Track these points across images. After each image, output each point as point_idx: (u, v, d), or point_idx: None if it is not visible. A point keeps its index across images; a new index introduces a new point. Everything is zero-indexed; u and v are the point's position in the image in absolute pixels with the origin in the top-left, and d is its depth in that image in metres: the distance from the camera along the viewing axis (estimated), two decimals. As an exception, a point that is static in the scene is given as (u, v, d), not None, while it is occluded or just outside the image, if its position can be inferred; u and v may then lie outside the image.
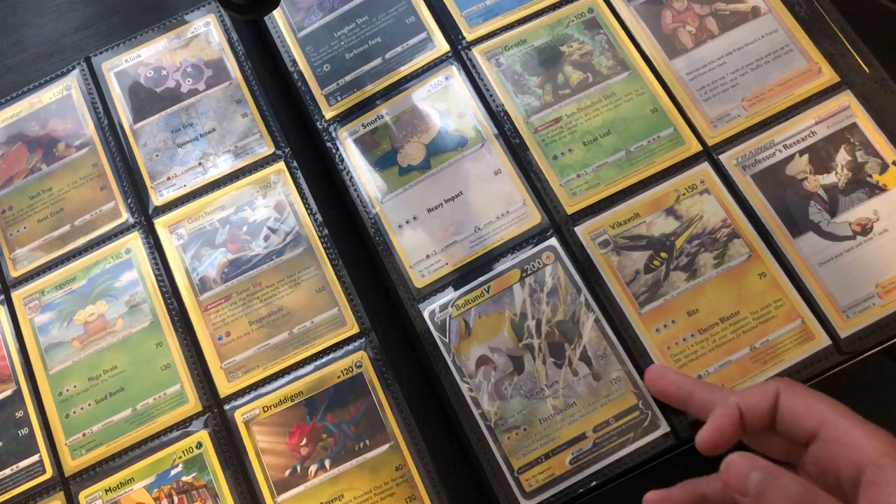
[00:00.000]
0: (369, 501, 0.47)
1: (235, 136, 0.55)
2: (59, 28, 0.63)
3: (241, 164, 0.54)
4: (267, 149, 0.54)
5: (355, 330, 0.50)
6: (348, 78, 0.54)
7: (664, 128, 0.50)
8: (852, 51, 0.51)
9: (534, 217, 0.49)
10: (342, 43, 0.54)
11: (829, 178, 0.49)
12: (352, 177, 0.51)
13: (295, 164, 0.53)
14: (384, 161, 0.52)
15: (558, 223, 0.49)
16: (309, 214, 0.53)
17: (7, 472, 0.50)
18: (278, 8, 0.54)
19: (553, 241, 0.49)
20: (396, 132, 0.52)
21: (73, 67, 0.58)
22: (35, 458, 0.50)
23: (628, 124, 0.50)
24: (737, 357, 0.46)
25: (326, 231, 0.52)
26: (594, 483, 0.45)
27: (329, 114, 0.53)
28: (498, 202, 0.50)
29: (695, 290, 0.47)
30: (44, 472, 0.50)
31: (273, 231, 0.52)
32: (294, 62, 0.55)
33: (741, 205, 0.49)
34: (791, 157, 0.50)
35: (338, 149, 0.52)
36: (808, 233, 0.48)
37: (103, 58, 0.58)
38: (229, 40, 0.57)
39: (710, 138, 0.50)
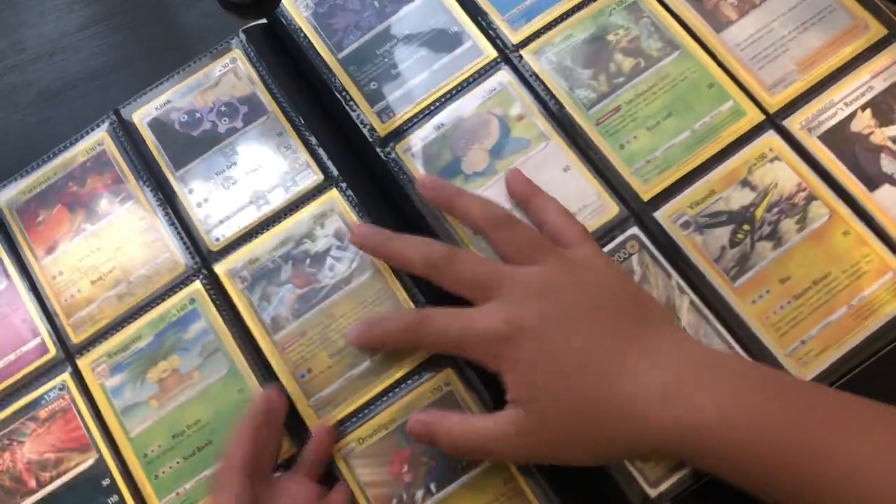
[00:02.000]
0: (482, 520, 0.49)
1: (282, 170, 0.58)
2: (60, 28, 0.66)
3: (292, 196, 0.57)
4: (316, 178, 0.57)
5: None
6: (398, 93, 0.57)
7: (724, 101, 0.54)
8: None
9: (611, 209, 0.53)
10: (386, 60, 0.58)
11: (894, 130, 0.53)
12: (417, 192, 0.54)
13: (348, 188, 0.56)
14: (448, 171, 0.55)
15: (637, 211, 0.52)
16: (372, 238, 0.55)
17: (103, 542, 0.51)
18: (312, 32, 0.58)
19: (635, 230, 0.52)
20: (456, 141, 0.55)
21: (103, 122, 0.60)
22: (130, 524, 0.51)
23: (688, 103, 0.54)
24: (836, 317, 0.50)
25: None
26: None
27: (383, 131, 0.56)
28: (572, 199, 0.53)
29: (783, 257, 0.51)
30: (140, 538, 0.51)
31: (337, 260, 0.55)
32: (339, 84, 0.58)
33: (813, 167, 0.52)
34: (853, 114, 0.53)
35: (398, 165, 0.55)
36: (884, 185, 0.52)
37: (132, 108, 0.61)
38: (259, 73, 0.60)
39: (771, 106, 0.54)
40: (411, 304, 0.54)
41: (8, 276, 0.58)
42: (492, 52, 0.58)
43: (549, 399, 0.45)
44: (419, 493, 0.50)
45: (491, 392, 0.51)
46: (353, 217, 0.56)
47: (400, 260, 0.52)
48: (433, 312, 0.50)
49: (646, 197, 0.53)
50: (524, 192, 0.53)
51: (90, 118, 0.61)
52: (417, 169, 0.56)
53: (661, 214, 0.52)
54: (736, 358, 0.48)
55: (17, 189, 0.60)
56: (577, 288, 0.48)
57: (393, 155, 0.56)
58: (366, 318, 0.53)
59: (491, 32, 0.58)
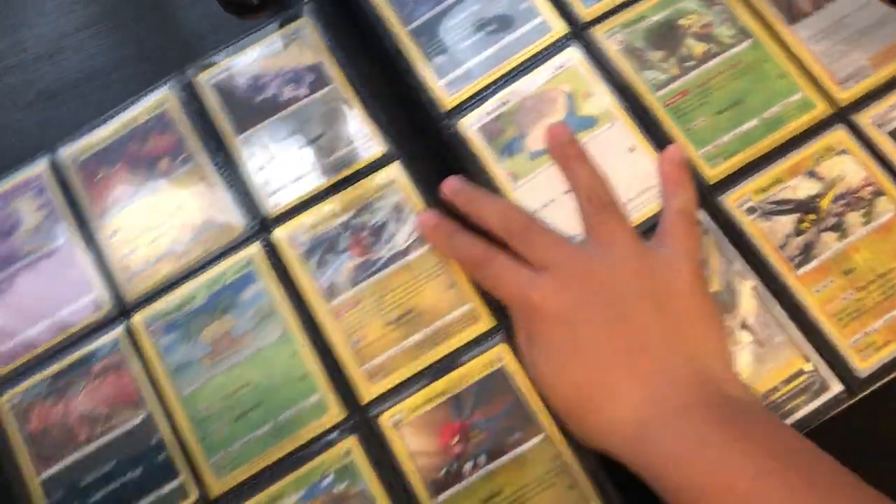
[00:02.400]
0: (529, 494, 0.50)
1: (345, 140, 0.58)
2: (59, 28, 0.67)
3: (354, 167, 0.58)
4: (378, 150, 0.58)
5: (491, 324, 0.53)
6: (465, 68, 0.58)
7: (793, 93, 0.55)
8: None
9: (676, 191, 0.53)
10: (455, 33, 0.59)
11: (967, 129, 0.53)
12: (478, 166, 0.55)
13: (409, 162, 0.57)
14: (512, 147, 0.55)
15: (703, 194, 0.53)
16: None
17: (151, 498, 0.52)
18: (382, 2, 0.59)
19: (699, 213, 0.52)
20: (521, 117, 0.56)
21: (166, 82, 0.61)
22: (177, 482, 0.52)
23: (757, 92, 0.55)
24: (901, 312, 0.50)
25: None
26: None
27: (448, 105, 0.57)
28: (636, 179, 0.53)
29: (847, 248, 0.51)
30: (187, 495, 0.52)
31: (395, 232, 0.56)
32: (407, 56, 0.59)
33: (882, 162, 0.53)
34: (925, 112, 0.54)
35: (461, 139, 0.56)
36: (954, 185, 0.52)
37: (197, 70, 0.62)
38: (326, 43, 0.61)
39: (841, 100, 0.54)
40: (466, 280, 0.55)
41: (66, 231, 0.59)
42: (562, 28, 0.58)
43: (553, 375, 0.49)
44: (468, 465, 0.51)
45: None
46: (413, 191, 0.57)
47: (478, 217, 0.53)
48: (499, 260, 0.51)
49: (712, 180, 0.53)
50: (563, 155, 0.55)
51: (91, 118, 0.63)
52: (480, 145, 0.56)
53: (726, 199, 0.53)
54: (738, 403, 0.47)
55: (79, 146, 0.61)
56: (599, 295, 0.49)
57: (456, 130, 0.57)
58: (444, 224, 0.55)
59: (562, 8, 0.59)
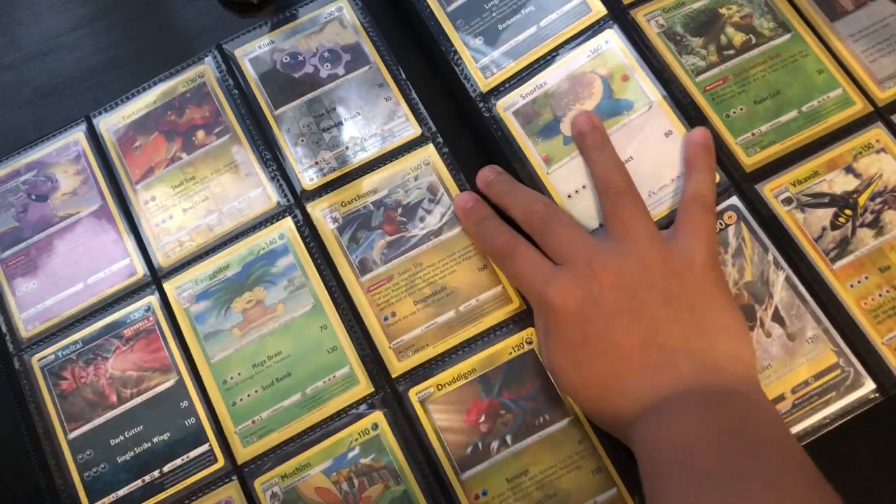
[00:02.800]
0: (555, 475, 0.50)
1: (380, 120, 0.59)
2: (54, 27, 0.67)
3: (388, 147, 0.58)
4: (414, 131, 0.58)
5: (521, 306, 0.53)
6: (503, 49, 0.58)
7: (833, 89, 0.54)
8: None
9: (712, 177, 0.53)
10: (494, 14, 0.59)
11: None
12: (514, 149, 0.55)
13: (444, 144, 0.57)
14: (547, 130, 0.55)
15: (738, 182, 0.53)
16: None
17: (178, 461, 0.52)
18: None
19: (734, 200, 0.52)
20: (558, 100, 0.56)
21: (206, 55, 0.61)
22: (205, 447, 0.53)
23: (797, 85, 0.54)
24: (935, 311, 0.49)
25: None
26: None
27: (485, 87, 0.57)
28: (672, 164, 0.53)
29: (884, 246, 0.51)
30: (215, 461, 0.52)
31: (428, 212, 0.56)
32: (446, 37, 0.59)
33: (921, 162, 0.52)
34: (966, 113, 0.53)
35: (496, 122, 0.56)
36: None
37: (236, 44, 0.62)
38: (363, 23, 0.61)
39: (881, 100, 0.54)
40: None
41: (103, 196, 0.59)
42: (601, 10, 0.58)
43: (566, 368, 0.50)
44: (495, 444, 0.51)
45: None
46: (447, 173, 0.57)
47: (505, 209, 0.54)
48: (522, 251, 0.52)
49: (749, 169, 0.53)
50: (584, 143, 0.55)
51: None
52: (515, 128, 0.56)
53: (763, 188, 0.52)
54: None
55: (117, 114, 0.62)
56: (613, 290, 0.49)
57: (493, 112, 0.57)
58: (476, 205, 0.56)
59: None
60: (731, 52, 0.56)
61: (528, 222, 0.52)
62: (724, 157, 0.53)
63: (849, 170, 0.52)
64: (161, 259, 0.57)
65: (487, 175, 0.55)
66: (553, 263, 0.50)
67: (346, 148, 0.58)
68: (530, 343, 0.53)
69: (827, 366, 0.49)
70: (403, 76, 0.60)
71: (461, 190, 0.56)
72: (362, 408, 0.52)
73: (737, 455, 0.41)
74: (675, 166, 0.54)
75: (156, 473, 0.53)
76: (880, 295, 0.50)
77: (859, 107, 0.54)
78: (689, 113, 0.54)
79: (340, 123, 0.59)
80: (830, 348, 0.49)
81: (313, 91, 0.60)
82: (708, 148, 0.52)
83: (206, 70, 0.62)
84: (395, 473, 0.51)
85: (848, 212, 0.51)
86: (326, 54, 0.61)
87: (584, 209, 0.54)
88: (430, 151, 0.57)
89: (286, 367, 0.54)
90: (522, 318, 0.53)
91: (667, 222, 0.52)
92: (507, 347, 0.53)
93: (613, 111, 0.55)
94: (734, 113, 0.54)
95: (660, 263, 0.49)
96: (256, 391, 0.53)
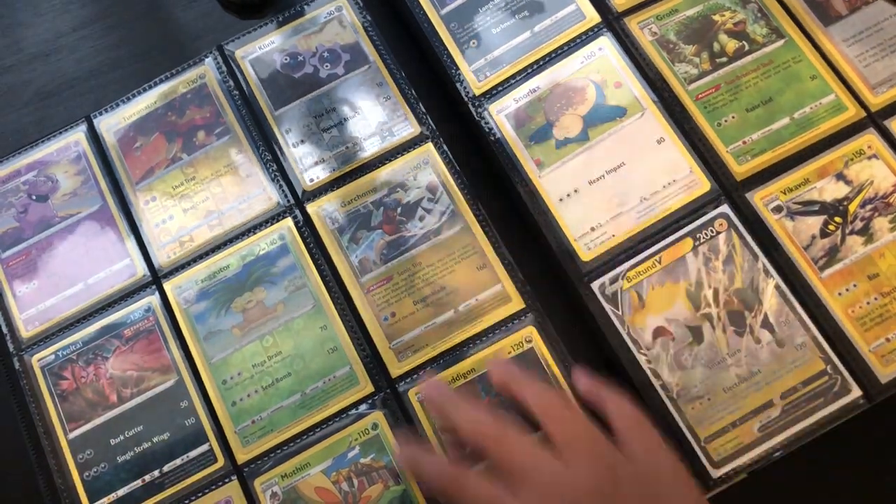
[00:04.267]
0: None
1: (380, 120, 0.58)
2: (56, 28, 0.66)
3: (388, 146, 0.58)
4: (413, 130, 0.58)
5: (520, 306, 0.54)
6: (496, 53, 0.58)
7: (825, 94, 0.54)
8: None
9: (702, 185, 0.53)
10: (488, 18, 0.58)
11: None
12: (506, 153, 0.55)
13: (443, 143, 0.57)
14: (539, 135, 0.55)
15: (729, 190, 0.53)
16: (462, 193, 0.56)
17: (178, 461, 0.52)
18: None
19: (725, 209, 0.52)
20: (550, 105, 0.55)
21: (206, 56, 0.61)
22: (205, 447, 0.53)
23: (789, 91, 0.54)
24: (923, 319, 0.50)
25: (482, 209, 0.55)
26: (779, 452, 0.49)
27: (479, 90, 0.57)
28: (663, 171, 0.53)
29: (873, 253, 0.51)
30: (215, 460, 0.52)
31: (428, 211, 0.56)
32: (440, 40, 0.58)
33: (911, 168, 0.52)
34: (959, 119, 0.53)
35: (489, 125, 0.56)
36: (982, 193, 0.52)
37: (236, 45, 0.61)
38: (363, 23, 0.61)
39: (873, 105, 0.54)
40: (497, 259, 0.55)
41: (103, 197, 0.59)
42: (595, 17, 0.58)
43: None
44: (492, 445, 0.51)
45: (567, 347, 0.52)
46: (447, 171, 0.56)
47: (449, 423, 0.49)
48: (471, 482, 0.45)
49: (740, 177, 0.53)
50: (507, 384, 0.49)
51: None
52: (508, 131, 0.56)
53: (753, 196, 0.52)
54: None
55: (118, 115, 0.61)
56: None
57: (485, 115, 0.56)
58: (422, 452, 0.51)
59: (595, -3, 0.58)
60: (724, 59, 0.55)
61: (474, 436, 0.47)
62: (715, 165, 0.53)
63: (839, 177, 0.52)
64: (161, 259, 0.57)
65: (431, 392, 0.52)
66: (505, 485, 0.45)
67: (346, 147, 0.58)
68: (530, 342, 0.53)
69: (815, 372, 0.49)
70: (403, 75, 0.59)
71: (461, 190, 0.56)
72: (362, 408, 0.53)
73: None
74: (668, 173, 0.54)
75: (156, 473, 0.53)
76: (868, 303, 0.50)
77: (852, 112, 0.54)
78: (681, 121, 0.54)
79: (340, 123, 0.59)
80: (818, 355, 0.50)
81: (313, 91, 0.60)
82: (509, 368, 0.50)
83: (207, 71, 0.61)
84: (394, 474, 0.51)
85: (838, 219, 0.52)
86: (326, 54, 0.61)
87: (577, 212, 0.54)
88: (429, 150, 0.57)
89: (286, 368, 0.54)
90: (521, 318, 0.54)
91: (651, 232, 0.53)
92: (507, 347, 0.53)
93: (605, 117, 0.55)
94: (726, 121, 0.54)
95: (616, 482, 0.45)
96: (256, 391, 0.53)
